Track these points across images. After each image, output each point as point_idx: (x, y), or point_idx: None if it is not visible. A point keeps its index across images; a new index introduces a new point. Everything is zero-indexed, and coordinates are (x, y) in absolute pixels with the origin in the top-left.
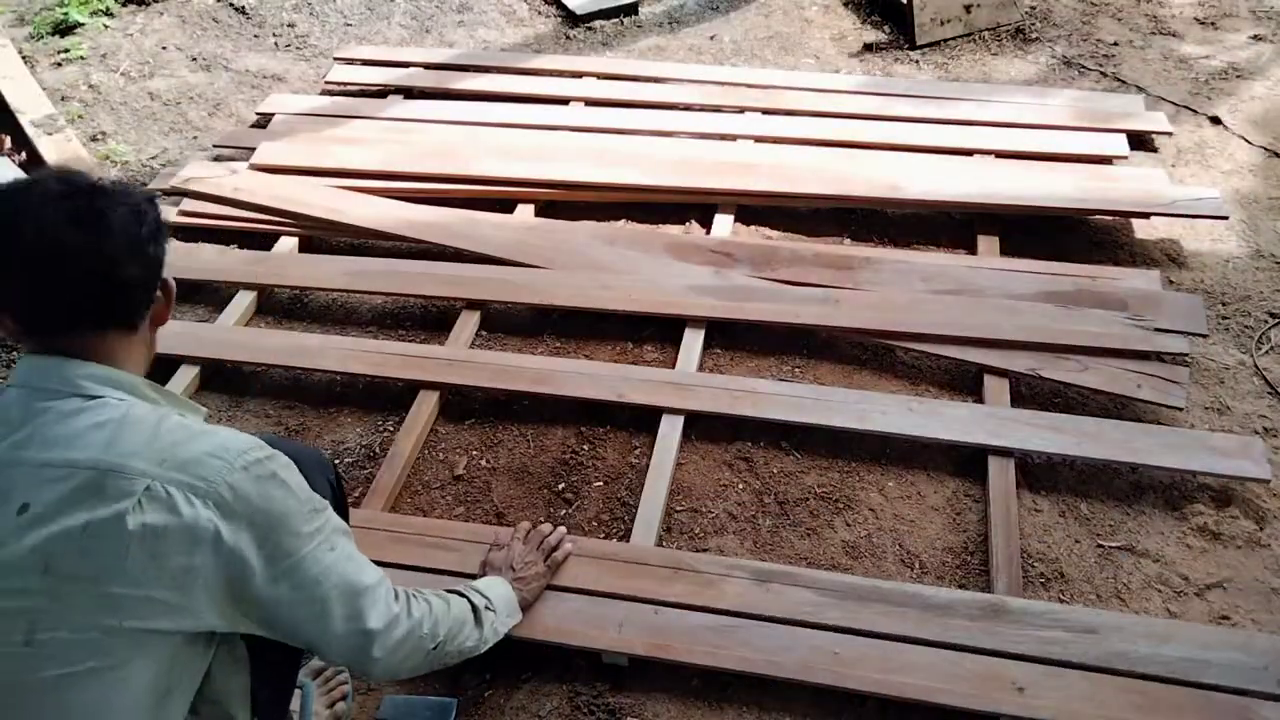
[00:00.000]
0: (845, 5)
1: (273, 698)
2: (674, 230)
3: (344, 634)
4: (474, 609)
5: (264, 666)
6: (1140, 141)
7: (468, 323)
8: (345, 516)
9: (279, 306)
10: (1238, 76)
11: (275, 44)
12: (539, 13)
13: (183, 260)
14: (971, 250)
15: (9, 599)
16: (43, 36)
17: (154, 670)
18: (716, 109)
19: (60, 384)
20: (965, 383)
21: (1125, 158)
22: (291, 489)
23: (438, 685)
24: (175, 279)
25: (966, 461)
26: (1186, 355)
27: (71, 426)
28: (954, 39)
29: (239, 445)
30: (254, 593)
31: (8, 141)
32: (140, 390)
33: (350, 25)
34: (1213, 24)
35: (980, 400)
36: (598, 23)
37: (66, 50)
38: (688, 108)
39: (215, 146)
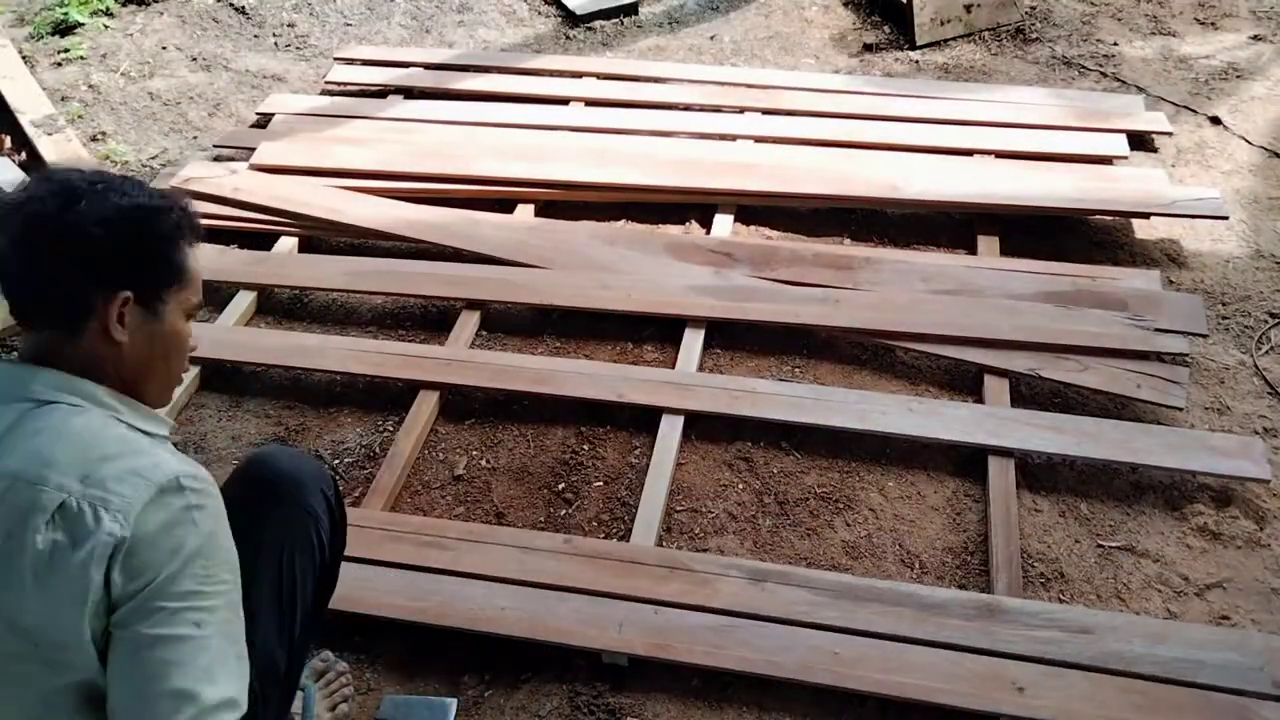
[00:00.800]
0: (845, 5)
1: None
2: (674, 230)
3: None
4: None
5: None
6: (1140, 141)
7: (468, 323)
8: (343, 532)
9: (279, 306)
10: (1238, 76)
11: (275, 44)
12: (539, 13)
13: None
14: (971, 250)
15: None
16: (43, 36)
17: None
18: (716, 109)
19: (15, 389)
20: (965, 383)
21: (1125, 158)
22: (204, 533)
23: (438, 686)
24: None
25: (966, 461)
26: (1186, 355)
27: (13, 434)
28: (954, 39)
29: (171, 469)
30: (114, 620)
31: (8, 141)
32: (97, 397)
33: (350, 25)
34: (1213, 24)
35: (980, 400)
36: (598, 23)
37: (66, 50)
38: (688, 108)
39: (215, 146)
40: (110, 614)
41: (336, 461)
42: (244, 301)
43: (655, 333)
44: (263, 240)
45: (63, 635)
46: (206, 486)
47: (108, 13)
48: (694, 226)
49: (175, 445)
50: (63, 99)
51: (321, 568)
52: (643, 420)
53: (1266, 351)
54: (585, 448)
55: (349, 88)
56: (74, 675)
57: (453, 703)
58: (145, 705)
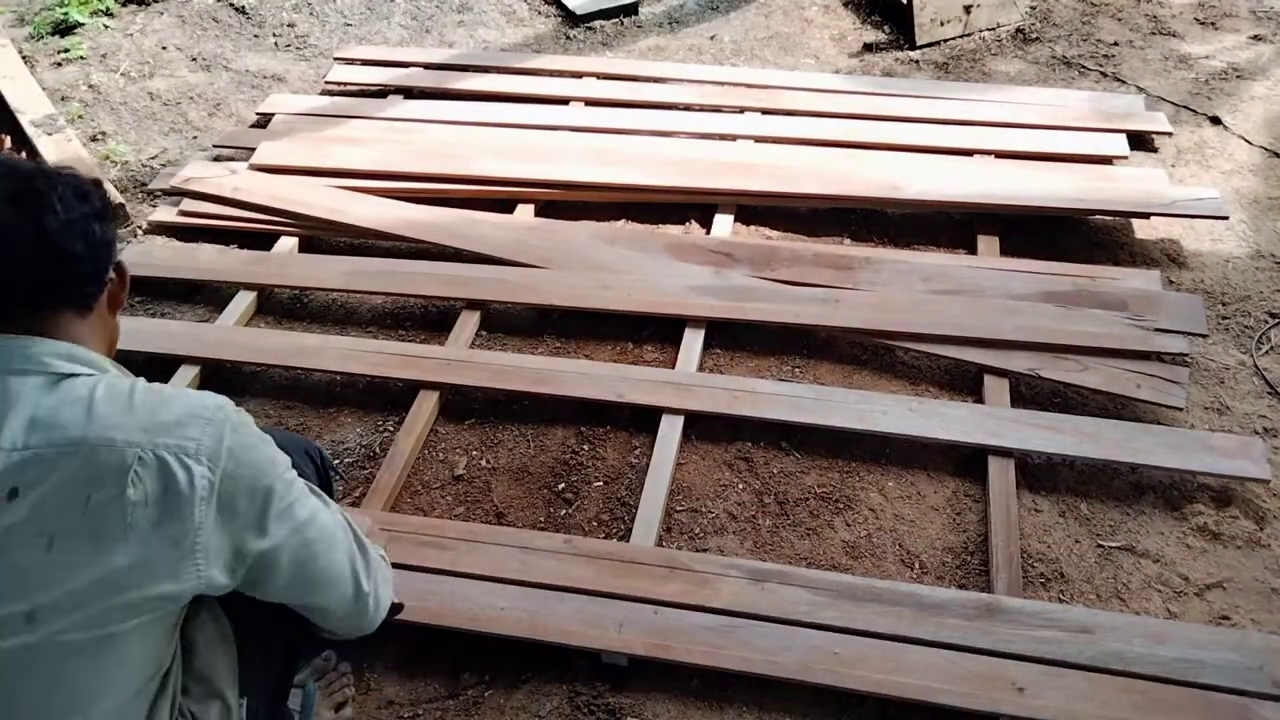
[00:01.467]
0: (845, 5)
1: (266, 677)
2: (674, 230)
3: (349, 571)
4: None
5: (254, 646)
6: (1140, 141)
7: (468, 323)
8: (329, 494)
9: (279, 306)
10: (1238, 76)
11: (275, 44)
12: (539, 13)
13: (183, 260)
14: (971, 250)
15: (11, 577)
16: (43, 36)
17: (152, 644)
18: (716, 109)
19: (25, 363)
20: (965, 383)
21: (1125, 158)
22: (267, 440)
23: (437, 685)
24: (175, 279)
25: (966, 461)
26: (1186, 355)
27: (45, 406)
28: (954, 39)
29: (214, 402)
30: (253, 543)
31: (8, 141)
32: (104, 365)
33: (350, 25)
34: (1213, 24)
35: (980, 400)
36: (598, 23)
37: (66, 50)
38: (687, 108)
39: (215, 146)
40: (235, 547)
41: (337, 461)
42: (244, 301)
43: (655, 333)
44: (263, 240)
45: (170, 580)
46: (234, 407)
47: (108, 13)
48: (694, 226)
49: None
50: (63, 99)
51: None
52: (643, 420)
53: (1266, 351)
54: (585, 448)
55: (349, 88)
56: (172, 608)
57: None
58: (329, 581)
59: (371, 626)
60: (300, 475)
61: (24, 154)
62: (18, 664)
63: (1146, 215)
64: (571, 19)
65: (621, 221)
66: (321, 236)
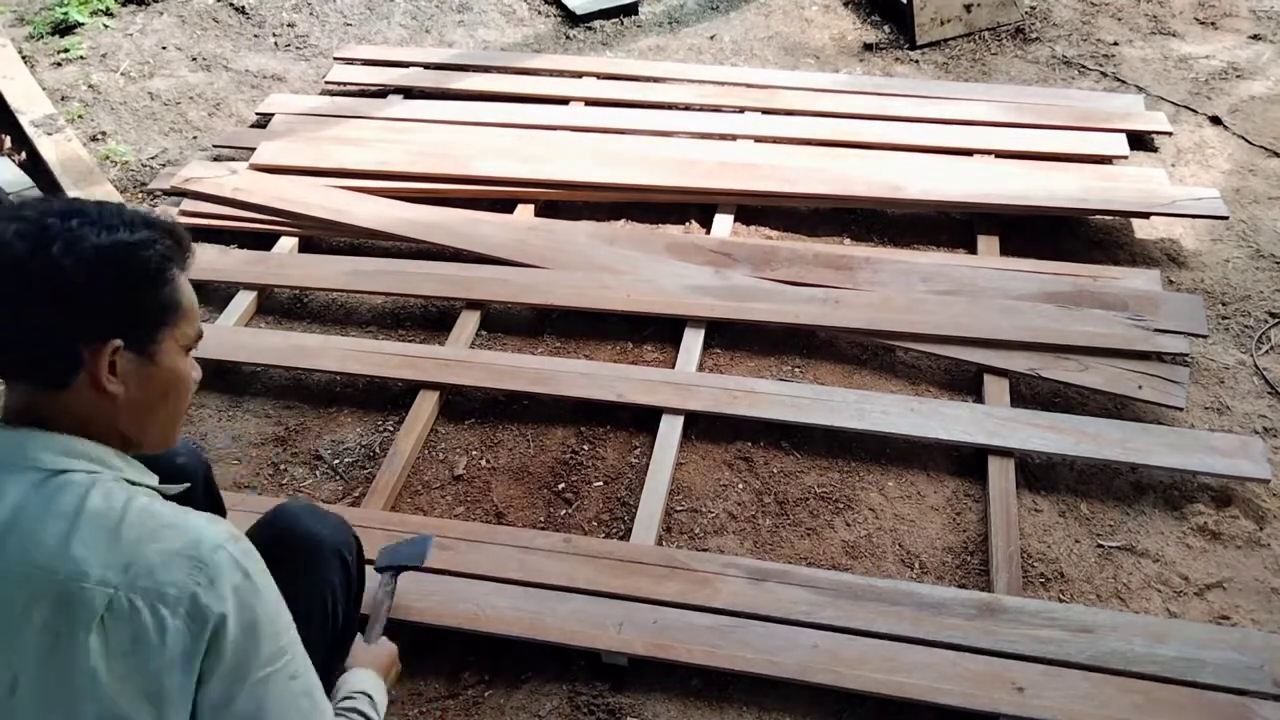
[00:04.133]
0: (845, 5)
1: None
2: (674, 230)
3: None
4: None
5: None
6: (1140, 141)
7: (468, 323)
8: (359, 596)
9: (279, 306)
10: (1238, 76)
11: (275, 44)
12: (539, 13)
13: None
14: (971, 250)
15: None
16: (43, 36)
17: None
18: (716, 109)
19: (16, 456)
20: (965, 383)
21: (1125, 157)
22: (264, 596)
23: (437, 685)
24: None
25: (966, 461)
26: (1186, 355)
27: (29, 514)
28: (954, 39)
29: (209, 539)
30: (208, 700)
31: (8, 141)
32: (106, 460)
33: (350, 25)
34: (1213, 24)
35: (980, 400)
36: (598, 23)
37: (66, 50)
38: (688, 107)
39: (215, 146)
40: (196, 692)
41: (336, 461)
42: (244, 301)
43: (655, 333)
44: (263, 240)
45: None
46: (243, 542)
47: (108, 13)
48: (694, 226)
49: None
50: (63, 99)
51: (332, 635)
52: (643, 420)
53: (1266, 351)
54: (585, 448)
55: (349, 88)
56: None
57: (431, 537)
58: None
59: None
60: (327, 586)
61: (24, 154)
62: None
63: (1146, 215)
64: (571, 19)
65: (621, 221)
66: (321, 236)
